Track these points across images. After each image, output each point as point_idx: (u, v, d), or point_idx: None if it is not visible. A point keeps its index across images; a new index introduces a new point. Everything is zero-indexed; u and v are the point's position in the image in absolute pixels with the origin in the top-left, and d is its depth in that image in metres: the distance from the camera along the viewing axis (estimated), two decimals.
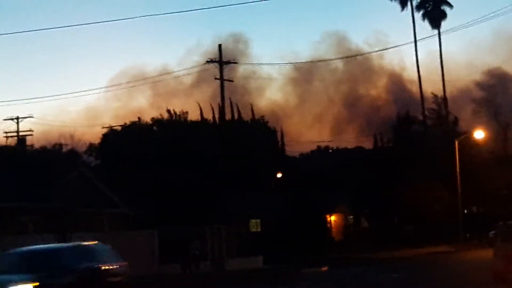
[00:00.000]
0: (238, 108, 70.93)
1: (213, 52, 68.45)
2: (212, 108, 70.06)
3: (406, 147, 74.43)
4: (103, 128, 69.54)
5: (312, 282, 38.53)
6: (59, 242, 40.63)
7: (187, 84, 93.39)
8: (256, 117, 70.80)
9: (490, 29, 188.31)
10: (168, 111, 67.79)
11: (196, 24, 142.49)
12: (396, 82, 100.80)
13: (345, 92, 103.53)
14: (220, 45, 67.83)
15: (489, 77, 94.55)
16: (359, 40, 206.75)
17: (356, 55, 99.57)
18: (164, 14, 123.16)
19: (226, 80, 66.27)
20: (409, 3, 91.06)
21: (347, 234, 73.63)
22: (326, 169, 72.19)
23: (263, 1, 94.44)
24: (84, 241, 25.10)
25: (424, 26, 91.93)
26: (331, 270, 46.44)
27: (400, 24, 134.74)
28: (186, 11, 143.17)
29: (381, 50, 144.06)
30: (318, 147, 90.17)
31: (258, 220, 63.20)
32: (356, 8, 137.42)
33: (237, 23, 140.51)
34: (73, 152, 60.49)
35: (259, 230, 62.73)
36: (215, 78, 66.41)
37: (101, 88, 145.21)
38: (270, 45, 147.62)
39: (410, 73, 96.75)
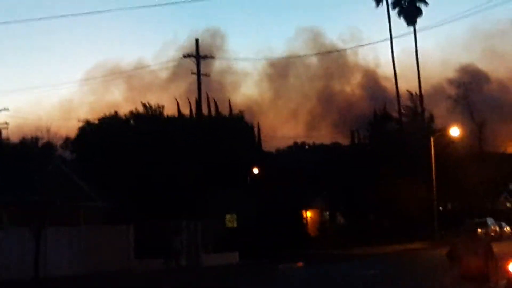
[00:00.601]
0: (216, 103, 70.78)
1: (189, 47, 68.05)
2: (189, 103, 69.84)
3: (383, 144, 74.54)
4: (79, 121, 69.12)
5: (292, 278, 38.49)
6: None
7: (163, 79, 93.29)
8: (234, 112, 70.62)
9: (465, 27, 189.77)
10: (144, 105, 67.38)
11: (173, 19, 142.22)
12: (371, 79, 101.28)
13: (320, 88, 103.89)
14: (197, 40, 67.50)
15: (464, 74, 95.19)
16: (334, 36, 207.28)
17: (331, 51, 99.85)
18: (140, 7, 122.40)
19: (202, 74, 65.97)
20: (384, 0, 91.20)
21: (323, 230, 73.62)
22: (303, 165, 72.16)
23: None
24: None
25: (399, 23, 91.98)
26: (309, 267, 46.39)
27: (376, 20, 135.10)
28: (163, 4, 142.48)
29: (357, 46, 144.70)
30: (295, 142, 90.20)
31: (234, 215, 63.02)
32: (331, 4, 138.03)
33: (213, 18, 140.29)
34: (49, 146, 59.94)
35: (235, 225, 62.55)
36: (192, 73, 66.11)
37: (76, 81, 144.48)
38: (246, 41, 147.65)
39: (386, 70, 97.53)
